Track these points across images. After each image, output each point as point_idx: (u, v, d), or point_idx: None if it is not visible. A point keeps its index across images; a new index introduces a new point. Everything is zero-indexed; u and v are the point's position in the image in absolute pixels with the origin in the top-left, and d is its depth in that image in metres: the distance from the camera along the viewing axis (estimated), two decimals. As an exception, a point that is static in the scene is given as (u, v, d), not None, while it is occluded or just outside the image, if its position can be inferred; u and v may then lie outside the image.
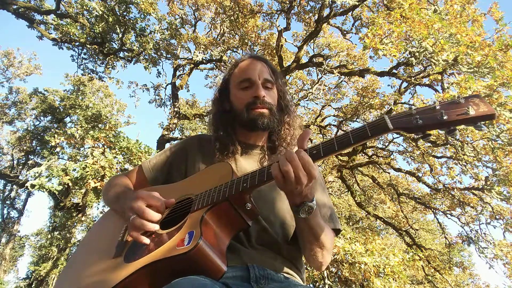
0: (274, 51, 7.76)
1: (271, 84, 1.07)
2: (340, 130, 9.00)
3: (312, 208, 0.77)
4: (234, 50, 8.87)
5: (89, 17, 7.52)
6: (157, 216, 0.81)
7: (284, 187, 0.73)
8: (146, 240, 0.77)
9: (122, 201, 0.93)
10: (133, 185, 1.11)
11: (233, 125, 1.08)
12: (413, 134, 0.66)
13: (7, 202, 13.42)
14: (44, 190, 6.01)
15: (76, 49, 8.33)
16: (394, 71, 6.79)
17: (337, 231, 1.00)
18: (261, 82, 1.05)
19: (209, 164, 1.00)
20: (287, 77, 8.62)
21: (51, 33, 7.66)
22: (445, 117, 0.61)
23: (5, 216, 13.43)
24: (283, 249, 0.93)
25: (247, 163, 1.04)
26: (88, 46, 7.91)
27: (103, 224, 1.06)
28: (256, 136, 1.09)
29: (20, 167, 12.52)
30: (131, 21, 7.51)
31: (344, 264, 5.37)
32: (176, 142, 1.46)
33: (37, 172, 6.48)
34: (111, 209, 1.05)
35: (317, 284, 6.49)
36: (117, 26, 7.41)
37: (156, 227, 0.79)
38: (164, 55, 8.56)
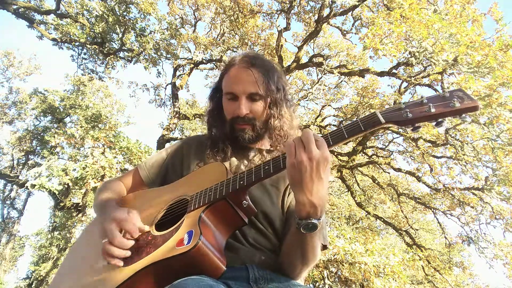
0: (274, 51, 7.76)
1: (258, 96, 1.03)
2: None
3: (315, 227, 0.72)
4: (234, 50, 8.87)
5: (89, 17, 7.52)
6: (127, 243, 0.78)
7: (297, 171, 0.68)
8: (120, 263, 0.76)
9: (103, 215, 0.90)
10: (129, 187, 1.11)
11: (225, 126, 1.08)
12: (404, 127, 0.70)
13: (7, 202, 13.42)
14: (44, 190, 6.01)
15: (76, 49, 8.35)
16: (394, 71, 6.79)
17: (323, 247, 0.96)
18: (246, 96, 1.01)
19: (204, 165, 1.00)
20: (287, 77, 8.63)
21: (51, 33, 7.66)
22: (432, 110, 0.65)
23: (5, 216, 13.44)
24: (279, 249, 0.93)
25: (241, 163, 1.04)
26: (88, 46, 7.91)
27: (94, 229, 1.03)
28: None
29: (20, 167, 12.52)
30: (131, 21, 7.51)
31: (344, 264, 5.37)
32: (173, 143, 1.45)
33: (37, 172, 6.48)
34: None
35: (317, 284, 6.49)
36: (117, 26, 7.41)
37: (127, 253, 0.77)
38: (164, 55, 8.56)
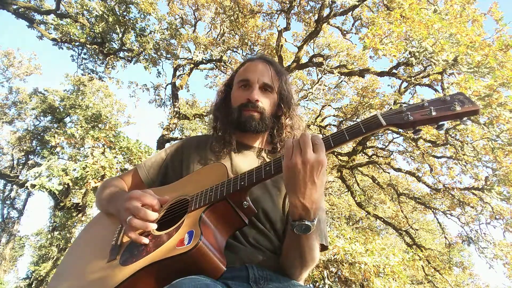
0: (274, 51, 7.76)
1: (270, 88, 1.08)
2: (340, 130, 9.00)
3: (308, 229, 0.72)
4: (234, 50, 8.87)
5: (89, 17, 7.52)
6: (153, 215, 0.80)
7: (291, 174, 0.69)
8: (145, 240, 0.76)
9: (116, 202, 0.91)
10: (128, 187, 1.10)
11: (230, 121, 1.10)
12: (405, 130, 0.71)
13: (7, 202, 13.42)
14: (44, 190, 6.00)
15: (76, 49, 8.35)
16: (394, 71, 6.79)
17: (323, 247, 0.95)
18: (259, 85, 1.06)
19: (204, 165, 1.00)
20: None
21: (51, 33, 7.66)
22: (434, 113, 0.66)
23: (5, 216, 13.43)
24: (280, 250, 0.93)
25: (242, 163, 1.04)
26: (88, 46, 7.91)
27: (93, 228, 1.03)
28: (250, 137, 1.10)
29: (20, 167, 12.52)
30: (131, 21, 7.50)
31: (344, 264, 5.37)
32: (172, 143, 1.46)
33: (37, 172, 6.47)
34: (104, 211, 1.03)
35: (317, 284, 6.49)
36: (117, 26, 7.41)
37: (154, 226, 0.79)
38: (164, 55, 8.55)
